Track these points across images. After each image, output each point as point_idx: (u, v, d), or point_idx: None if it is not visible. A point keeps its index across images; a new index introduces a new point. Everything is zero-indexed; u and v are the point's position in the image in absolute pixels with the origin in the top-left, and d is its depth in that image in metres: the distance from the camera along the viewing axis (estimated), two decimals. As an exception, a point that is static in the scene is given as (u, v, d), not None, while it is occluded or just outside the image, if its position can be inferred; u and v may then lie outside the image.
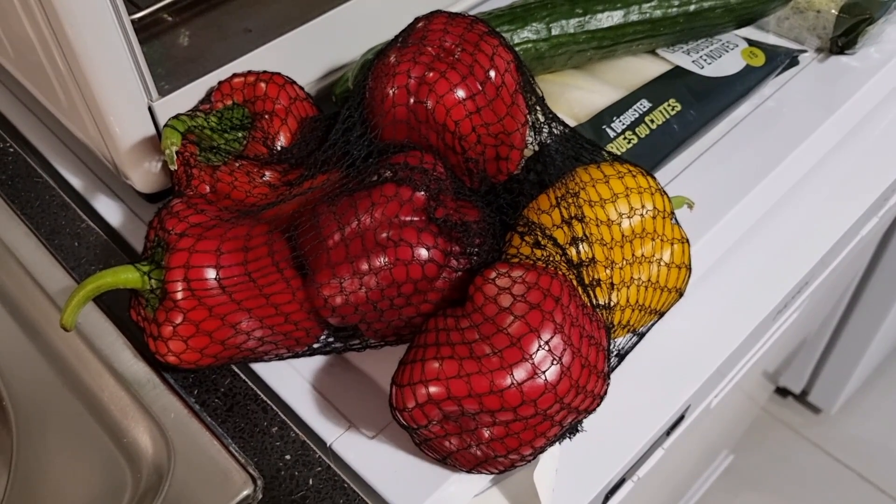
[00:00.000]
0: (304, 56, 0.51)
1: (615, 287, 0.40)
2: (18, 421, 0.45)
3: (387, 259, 0.39)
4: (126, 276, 0.40)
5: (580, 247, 0.40)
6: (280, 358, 0.45)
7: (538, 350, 0.35)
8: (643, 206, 0.41)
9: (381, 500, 0.41)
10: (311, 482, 0.42)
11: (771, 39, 0.64)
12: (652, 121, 0.53)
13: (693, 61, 0.57)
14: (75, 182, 0.56)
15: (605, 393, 0.38)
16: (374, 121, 0.44)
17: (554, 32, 0.53)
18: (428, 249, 0.39)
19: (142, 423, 0.44)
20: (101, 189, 0.56)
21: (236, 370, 0.46)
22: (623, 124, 0.52)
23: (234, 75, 0.47)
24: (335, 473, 0.42)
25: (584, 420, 0.39)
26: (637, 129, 0.52)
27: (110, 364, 0.46)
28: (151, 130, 0.47)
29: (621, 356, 0.43)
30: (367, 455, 0.42)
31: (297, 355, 0.45)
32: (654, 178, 0.43)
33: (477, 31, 0.44)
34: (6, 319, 0.50)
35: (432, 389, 0.36)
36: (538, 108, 0.45)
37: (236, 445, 0.43)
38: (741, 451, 1.34)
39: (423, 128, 0.43)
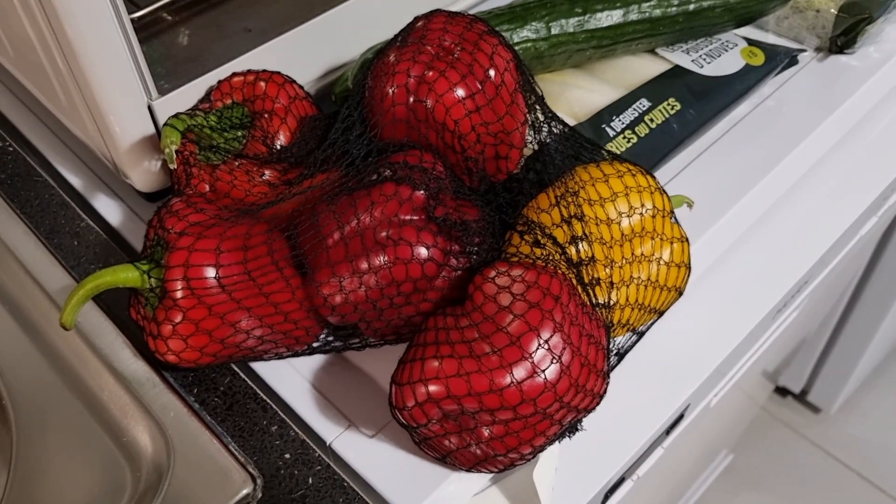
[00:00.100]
0: (304, 55, 0.51)
1: (615, 286, 0.41)
2: (18, 420, 0.45)
3: (386, 258, 0.39)
4: (125, 275, 0.40)
5: (580, 246, 0.40)
6: (279, 357, 0.45)
7: (538, 349, 0.35)
8: (643, 205, 0.41)
9: (380, 498, 0.41)
10: (310, 481, 0.42)
11: (770, 39, 0.64)
12: (651, 120, 0.53)
13: (692, 60, 0.57)
14: (75, 181, 0.56)
15: (605, 392, 0.38)
16: (373, 120, 0.44)
17: (553, 31, 0.53)
18: (427, 248, 0.39)
19: (141, 422, 0.44)
20: (101, 188, 0.56)
21: (236, 369, 0.46)
22: (622, 123, 0.52)
23: (234, 74, 0.47)
24: (335, 472, 0.42)
25: (584, 419, 0.39)
26: (636, 129, 0.52)
27: (110, 363, 0.46)
28: (151, 129, 0.47)
29: (621, 355, 0.44)
30: (367, 454, 0.42)
31: (296, 354, 0.45)
32: (653, 177, 0.43)
33: (476, 30, 0.44)
34: (6, 318, 0.50)
35: (432, 388, 0.36)
36: (538, 107, 0.45)
37: (236, 444, 0.43)
38: (741, 450, 1.34)
39: (422, 127, 0.43)
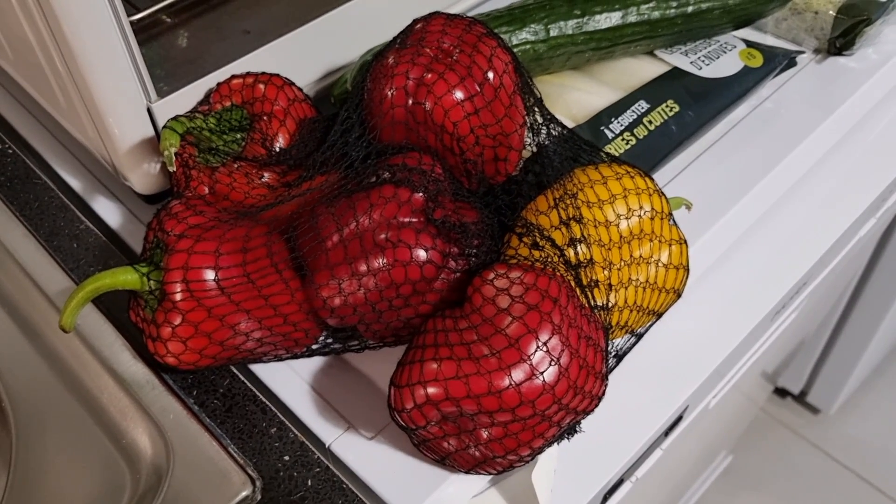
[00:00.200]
0: (303, 57, 0.51)
1: (613, 288, 0.41)
2: (18, 422, 0.45)
3: (385, 260, 0.39)
4: (125, 278, 0.40)
5: (578, 248, 0.40)
6: (279, 359, 0.45)
7: (536, 351, 0.35)
8: (641, 208, 0.41)
9: (379, 500, 0.41)
10: (309, 483, 0.42)
11: (769, 40, 0.64)
12: (650, 122, 0.53)
13: (691, 62, 0.57)
14: (74, 183, 0.56)
15: (604, 394, 0.38)
16: (372, 122, 0.44)
17: (552, 34, 0.53)
18: (426, 250, 0.39)
19: (141, 424, 0.44)
20: (100, 190, 0.56)
21: (235, 371, 0.46)
22: (621, 125, 0.53)
23: (233, 77, 0.47)
24: (334, 474, 0.42)
25: (583, 420, 0.39)
26: (635, 131, 0.52)
27: (109, 365, 0.46)
28: (150, 132, 0.47)
29: (619, 357, 0.44)
30: (366, 456, 0.42)
31: (295, 356, 0.45)
32: (651, 180, 0.43)
33: (475, 32, 0.44)
34: (5, 321, 0.50)
35: (430, 390, 0.36)
36: (536, 109, 0.46)
37: (235, 446, 0.43)
38: (740, 451, 1.34)
39: (421, 129, 0.43)
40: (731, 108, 0.57)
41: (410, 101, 0.43)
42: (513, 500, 0.44)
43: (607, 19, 0.54)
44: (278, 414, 0.44)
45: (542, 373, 0.35)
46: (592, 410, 0.38)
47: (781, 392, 1.47)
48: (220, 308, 0.40)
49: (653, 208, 0.42)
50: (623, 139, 0.52)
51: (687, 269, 0.43)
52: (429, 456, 0.40)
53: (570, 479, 0.46)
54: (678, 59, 0.57)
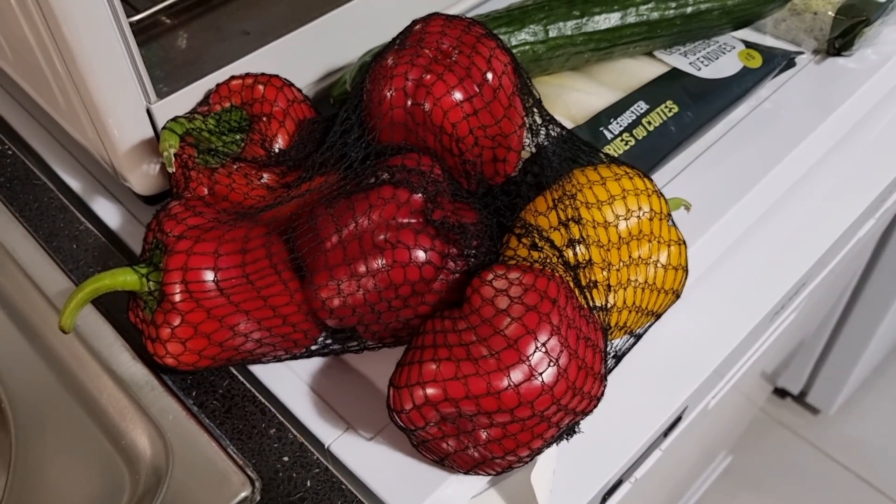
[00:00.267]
0: (302, 58, 0.51)
1: (612, 289, 0.41)
2: (17, 423, 0.45)
3: (384, 261, 0.39)
4: (124, 279, 0.40)
5: (577, 249, 0.40)
6: (278, 359, 0.45)
7: (535, 352, 0.35)
8: (640, 208, 0.42)
9: (379, 501, 0.41)
10: (309, 484, 0.42)
11: (768, 41, 0.64)
12: (649, 122, 0.53)
13: (690, 63, 0.57)
14: (74, 184, 0.56)
15: (602, 394, 0.38)
16: (371, 123, 0.44)
17: (551, 34, 0.53)
18: (425, 251, 0.39)
19: (140, 425, 0.44)
20: (100, 191, 0.56)
21: (234, 372, 0.46)
22: (620, 126, 0.53)
23: (232, 78, 0.47)
24: (333, 475, 0.42)
25: (582, 421, 0.39)
26: (634, 131, 0.53)
27: (109, 366, 0.46)
28: (150, 133, 0.47)
29: (618, 358, 0.44)
30: (366, 456, 0.42)
31: (294, 357, 0.45)
32: (650, 180, 0.43)
33: (474, 33, 0.44)
34: (5, 322, 0.50)
35: (429, 391, 0.36)
36: (535, 110, 0.46)
37: (234, 447, 0.43)
38: (739, 451, 1.34)
39: (420, 130, 0.43)
40: (730, 109, 0.57)
41: (409, 102, 0.43)
42: (512, 500, 0.44)
43: (606, 20, 0.54)
44: (277, 415, 0.44)
45: (540, 374, 0.35)
46: (591, 411, 0.38)
47: (781, 392, 1.48)
48: (220, 309, 0.40)
49: (652, 209, 0.42)
50: (622, 140, 0.52)
51: (686, 270, 0.44)
52: (428, 457, 0.40)
53: (569, 480, 0.46)
54: (677, 59, 0.57)
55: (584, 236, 0.40)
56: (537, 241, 0.40)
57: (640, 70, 0.57)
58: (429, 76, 0.43)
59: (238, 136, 0.46)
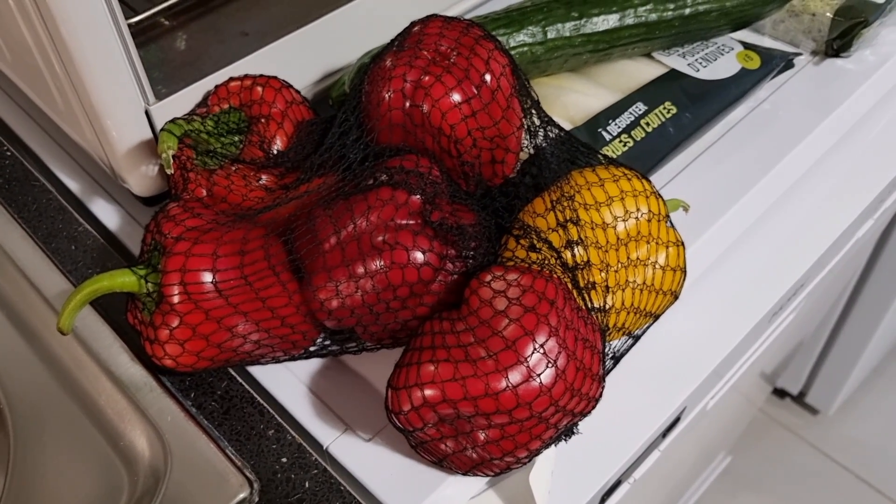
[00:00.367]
0: (301, 60, 0.51)
1: (610, 290, 0.41)
2: (15, 424, 0.45)
3: (383, 262, 0.39)
4: (123, 280, 0.40)
5: (575, 250, 0.40)
6: (276, 361, 0.45)
7: (533, 353, 0.35)
8: (638, 210, 0.42)
9: (377, 502, 0.41)
10: (307, 485, 0.42)
11: (766, 42, 0.64)
12: (647, 124, 0.53)
13: (688, 64, 0.57)
14: (72, 185, 0.56)
15: (601, 395, 0.39)
16: (370, 124, 0.44)
17: (550, 36, 0.53)
18: (423, 253, 0.39)
19: (138, 427, 0.44)
20: (98, 192, 0.56)
21: (233, 373, 0.46)
22: (619, 127, 0.53)
23: (231, 79, 0.47)
24: (332, 476, 0.42)
25: (580, 422, 0.39)
26: (633, 132, 0.53)
27: (107, 367, 0.46)
28: (148, 134, 0.47)
29: (616, 359, 0.44)
30: (364, 458, 0.42)
31: (293, 358, 0.45)
32: (649, 182, 0.43)
33: (472, 35, 0.44)
34: (3, 323, 0.50)
35: (428, 392, 0.36)
36: (534, 111, 0.46)
37: (233, 448, 0.43)
38: (739, 452, 1.34)
39: (418, 131, 0.43)
40: (728, 110, 0.57)
41: (408, 104, 0.43)
42: (510, 501, 0.44)
43: (605, 21, 0.54)
44: (276, 416, 0.44)
45: (538, 375, 0.35)
46: (590, 412, 0.38)
47: (780, 393, 1.48)
48: (218, 310, 0.40)
49: (650, 210, 0.42)
50: (620, 141, 0.52)
51: (684, 271, 0.44)
52: (426, 458, 0.40)
53: (567, 481, 0.46)
54: (676, 61, 0.58)
55: (583, 237, 0.40)
56: (536, 242, 0.40)
57: (638, 71, 0.57)
58: (427, 78, 0.43)
59: (236, 138, 0.46)
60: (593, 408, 0.38)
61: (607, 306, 0.41)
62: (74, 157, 0.58)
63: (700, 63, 0.57)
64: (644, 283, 0.42)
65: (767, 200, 0.57)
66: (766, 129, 0.58)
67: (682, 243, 0.43)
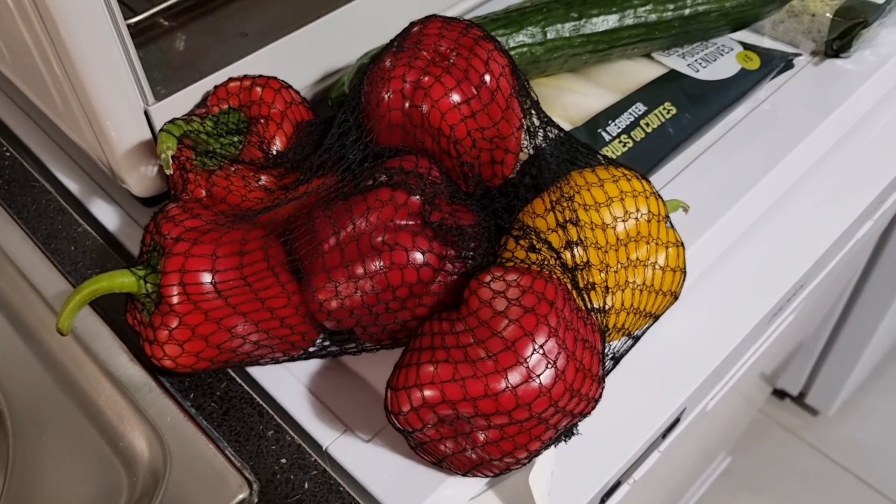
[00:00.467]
0: (300, 60, 0.51)
1: (610, 290, 0.41)
2: (15, 425, 0.45)
3: (382, 263, 0.39)
4: (122, 281, 0.40)
5: (575, 250, 0.40)
6: (276, 361, 0.45)
7: (533, 354, 0.35)
8: (638, 210, 0.42)
9: (376, 503, 0.41)
10: (306, 486, 0.42)
11: (766, 43, 0.64)
12: (647, 124, 0.53)
13: (688, 65, 0.57)
14: (72, 186, 0.56)
15: (600, 396, 0.38)
16: (369, 125, 0.44)
17: (549, 36, 0.53)
18: (423, 253, 0.39)
19: (138, 427, 0.44)
20: (98, 193, 0.56)
21: (232, 374, 0.46)
22: (618, 128, 0.53)
23: (230, 79, 0.47)
24: (331, 477, 0.42)
25: (580, 423, 0.39)
26: (632, 133, 0.53)
27: (106, 368, 0.46)
28: (148, 135, 0.47)
29: (616, 359, 0.44)
30: (363, 458, 0.42)
31: (292, 359, 0.45)
32: (648, 182, 0.43)
33: (472, 35, 0.44)
34: (3, 324, 0.50)
35: (427, 393, 0.36)
36: (533, 111, 0.46)
37: (232, 449, 0.43)
38: (739, 453, 1.34)
39: (418, 132, 0.43)
40: (728, 111, 0.57)
41: (407, 104, 0.43)
42: (510, 502, 0.44)
43: (604, 22, 0.54)
44: (275, 417, 0.44)
45: (538, 375, 0.35)
46: (589, 413, 0.38)
47: (780, 393, 1.48)
48: (217, 311, 0.40)
49: (649, 211, 0.42)
50: (620, 141, 0.52)
51: (684, 272, 0.44)
52: (426, 458, 0.40)
53: (567, 482, 0.46)
54: (675, 61, 0.57)
55: (582, 238, 0.40)
56: (535, 242, 0.40)
57: (638, 72, 0.57)
58: (426, 78, 0.43)
59: (236, 139, 0.46)
60: (593, 408, 0.38)
61: (607, 307, 0.40)
62: (74, 158, 0.58)
63: (700, 63, 0.57)
64: (644, 283, 0.42)
65: (767, 201, 0.57)
66: (766, 129, 0.58)
67: (682, 244, 0.43)
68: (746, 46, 0.60)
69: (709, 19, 0.57)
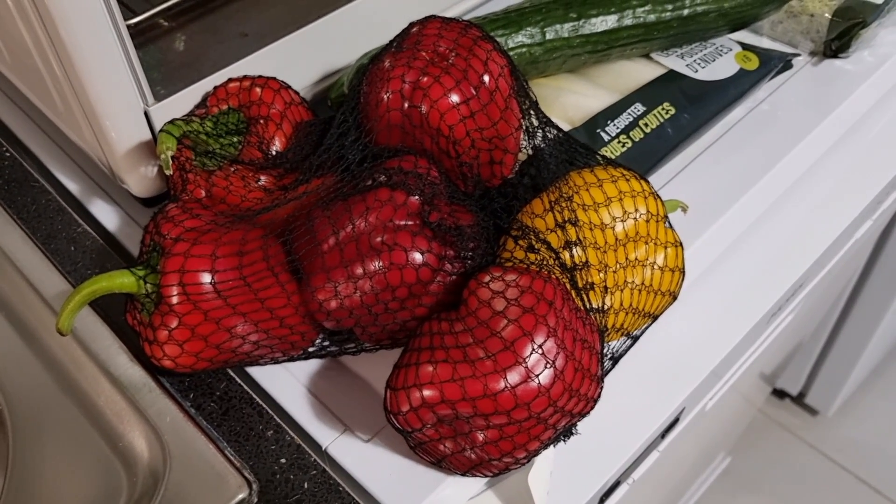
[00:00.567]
0: (300, 60, 0.51)
1: (609, 290, 0.41)
2: (15, 425, 0.45)
3: (381, 263, 0.39)
4: (122, 281, 0.40)
5: (574, 250, 0.40)
6: (275, 361, 0.45)
7: (531, 354, 0.35)
8: (636, 210, 0.42)
9: (376, 503, 0.41)
10: (306, 486, 0.42)
11: (765, 43, 0.64)
12: (646, 124, 0.53)
13: (687, 65, 0.57)
14: (72, 186, 0.57)
15: (599, 396, 0.39)
16: (368, 125, 0.44)
17: (548, 37, 0.53)
18: (422, 253, 0.39)
19: (137, 428, 0.44)
20: (98, 193, 0.56)
21: (232, 374, 0.46)
22: (617, 128, 0.53)
23: (230, 80, 0.47)
24: (330, 477, 0.42)
25: (579, 423, 0.39)
26: (631, 133, 0.53)
27: (106, 368, 0.46)
28: (147, 135, 0.47)
29: (615, 359, 0.44)
30: (363, 458, 0.42)
31: (292, 359, 0.45)
32: (647, 182, 0.43)
33: (471, 35, 0.44)
34: (2, 324, 0.50)
35: (426, 393, 0.36)
36: (532, 112, 0.46)
37: (232, 449, 0.43)
38: (738, 453, 1.34)
39: (417, 132, 0.44)
40: (727, 111, 0.57)
41: (406, 105, 0.43)
42: (509, 502, 0.44)
43: (603, 22, 0.54)
44: (275, 417, 0.44)
45: (537, 375, 0.35)
46: (588, 413, 0.38)
47: (780, 393, 1.48)
48: (217, 311, 0.40)
49: (648, 211, 0.42)
50: (619, 142, 0.52)
51: (683, 272, 0.44)
52: (425, 458, 0.40)
53: (566, 482, 0.46)
54: (674, 61, 0.58)
55: (581, 238, 0.40)
56: (534, 242, 0.40)
57: (637, 72, 0.57)
58: (425, 78, 0.43)
59: (235, 139, 0.46)
60: (592, 408, 0.38)
61: (606, 307, 0.41)
62: (73, 159, 0.58)
63: (698, 64, 0.57)
64: (643, 283, 0.42)
65: (766, 201, 0.57)
66: (765, 129, 0.58)
67: (681, 244, 0.43)
68: (745, 47, 0.60)
69: (707, 20, 0.57)
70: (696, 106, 0.55)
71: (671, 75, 0.56)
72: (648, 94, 0.55)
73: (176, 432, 0.43)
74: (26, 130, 0.61)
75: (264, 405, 0.45)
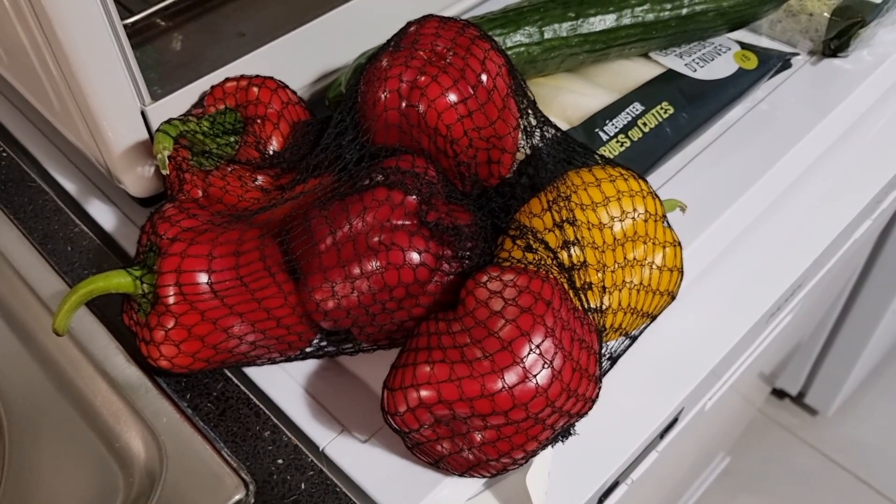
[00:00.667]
0: (297, 60, 0.51)
1: (607, 290, 0.41)
2: (11, 425, 0.45)
3: (378, 263, 0.39)
4: (118, 281, 0.40)
5: (572, 250, 0.40)
6: (272, 362, 0.45)
7: (529, 354, 0.35)
8: (635, 210, 0.41)
9: (373, 504, 0.41)
10: (303, 486, 0.42)
11: (763, 42, 0.64)
12: (644, 124, 0.53)
13: (685, 64, 0.57)
14: (68, 186, 0.56)
15: (597, 396, 0.38)
16: (366, 125, 0.44)
17: (546, 36, 0.53)
18: (419, 253, 0.39)
19: (134, 428, 0.44)
20: (95, 193, 0.56)
21: (229, 374, 0.46)
22: (615, 127, 0.53)
23: (227, 80, 0.47)
24: (327, 477, 0.42)
25: (577, 423, 0.39)
26: (630, 133, 0.52)
27: (103, 368, 0.46)
28: (144, 135, 0.47)
29: (613, 359, 0.44)
30: (360, 459, 0.42)
31: (289, 359, 0.45)
32: (645, 182, 0.43)
33: (468, 35, 0.44)
34: (-1, 324, 0.50)
35: (423, 393, 0.36)
36: (530, 111, 0.46)
37: (229, 450, 0.43)
38: (738, 453, 1.34)
39: (414, 132, 0.43)
40: (725, 111, 0.57)
41: (404, 104, 0.43)
42: (507, 502, 0.44)
43: (601, 21, 0.54)
44: (272, 417, 0.44)
45: (535, 376, 0.35)
46: (586, 413, 0.38)
47: (779, 393, 1.47)
48: (214, 311, 0.40)
49: (646, 210, 0.42)
50: (617, 141, 0.52)
51: (681, 272, 0.43)
52: (422, 459, 0.40)
53: (564, 482, 0.46)
54: (673, 61, 0.57)
55: (579, 238, 0.40)
56: (532, 242, 0.40)
57: (635, 71, 0.57)
58: (423, 78, 0.43)
59: (232, 139, 0.46)
60: (590, 409, 0.38)
61: (604, 307, 0.40)
62: (70, 158, 0.58)
63: (697, 63, 0.57)
64: (641, 283, 0.42)
65: (765, 200, 0.57)
66: (764, 129, 0.58)
67: (679, 243, 0.43)
68: (744, 46, 0.60)
69: (706, 19, 0.57)
70: (695, 105, 0.55)
71: (670, 75, 0.56)
72: (647, 93, 0.55)
73: (173, 433, 0.43)
74: (23, 130, 0.61)
75: (261, 406, 0.45)
